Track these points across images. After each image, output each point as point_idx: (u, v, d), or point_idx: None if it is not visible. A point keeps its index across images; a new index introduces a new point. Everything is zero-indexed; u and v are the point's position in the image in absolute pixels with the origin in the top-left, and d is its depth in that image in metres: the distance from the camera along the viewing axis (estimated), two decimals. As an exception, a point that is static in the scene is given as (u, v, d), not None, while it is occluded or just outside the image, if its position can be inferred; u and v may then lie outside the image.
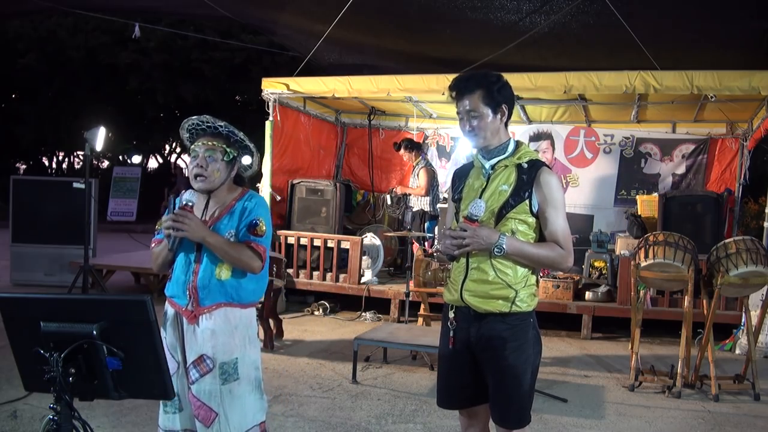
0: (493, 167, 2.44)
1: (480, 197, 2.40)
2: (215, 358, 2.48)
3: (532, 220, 2.38)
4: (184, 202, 2.51)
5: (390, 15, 6.91)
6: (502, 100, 2.41)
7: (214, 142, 2.55)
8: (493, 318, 2.37)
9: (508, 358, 2.34)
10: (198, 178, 2.53)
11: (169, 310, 2.61)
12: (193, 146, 2.58)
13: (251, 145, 2.67)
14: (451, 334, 2.46)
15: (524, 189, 2.37)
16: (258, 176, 7.69)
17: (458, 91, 2.43)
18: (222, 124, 2.58)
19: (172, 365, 2.52)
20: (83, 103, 17.61)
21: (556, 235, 2.38)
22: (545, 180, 2.37)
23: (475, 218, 2.35)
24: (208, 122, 2.59)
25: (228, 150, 2.57)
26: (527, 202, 2.36)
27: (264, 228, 2.54)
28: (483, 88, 2.39)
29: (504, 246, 2.31)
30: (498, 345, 2.35)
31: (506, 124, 2.47)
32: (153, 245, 2.66)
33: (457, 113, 2.45)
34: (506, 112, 2.43)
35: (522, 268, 2.38)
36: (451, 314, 2.47)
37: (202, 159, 2.52)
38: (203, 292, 2.50)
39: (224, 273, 2.52)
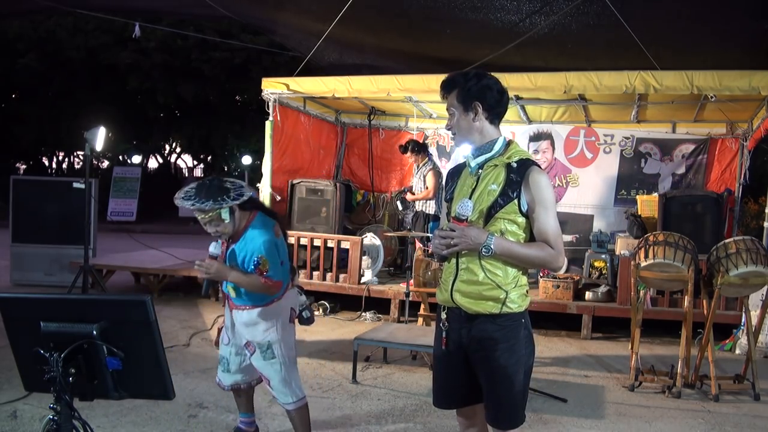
0: (480, 166, 2.44)
1: (469, 197, 2.40)
2: (254, 342, 3.22)
3: (522, 219, 2.37)
4: (209, 254, 3.09)
5: (390, 15, 6.90)
6: (474, 97, 2.40)
7: (209, 215, 3.03)
8: (484, 319, 2.36)
9: (500, 359, 2.34)
10: (217, 237, 3.15)
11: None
12: (196, 216, 3.10)
13: (239, 191, 3.09)
14: (444, 335, 2.46)
15: (513, 188, 2.35)
16: (258, 176, 7.70)
17: (443, 91, 2.49)
18: (206, 206, 2.98)
19: (225, 337, 3.37)
20: (83, 103, 17.59)
21: (546, 234, 2.35)
22: (534, 179, 2.35)
23: (463, 218, 2.34)
24: (193, 206, 3.01)
25: (221, 213, 3.04)
26: (516, 201, 2.34)
27: (267, 264, 3.04)
28: (458, 86, 2.43)
29: (492, 246, 2.30)
30: (489, 346, 2.35)
31: (492, 122, 2.44)
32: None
33: None
34: (479, 110, 2.40)
35: (512, 268, 2.37)
36: (444, 315, 2.47)
37: (210, 227, 3.09)
38: (234, 294, 3.21)
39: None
